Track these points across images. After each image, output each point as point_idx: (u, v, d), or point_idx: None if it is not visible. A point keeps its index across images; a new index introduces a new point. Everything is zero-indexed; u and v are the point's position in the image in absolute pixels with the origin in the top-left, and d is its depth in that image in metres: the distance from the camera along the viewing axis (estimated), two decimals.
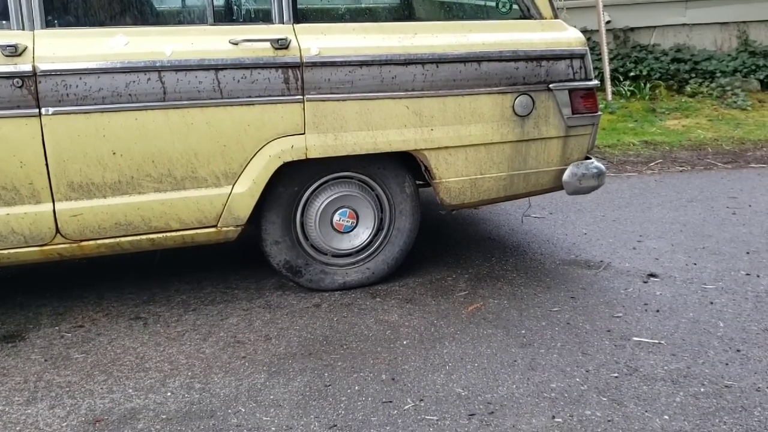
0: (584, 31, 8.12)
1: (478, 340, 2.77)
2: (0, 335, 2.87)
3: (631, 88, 7.65)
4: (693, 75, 7.83)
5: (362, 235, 3.25)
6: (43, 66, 2.63)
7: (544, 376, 2.50)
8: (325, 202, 3.14)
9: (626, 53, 8.05)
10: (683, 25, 8.14)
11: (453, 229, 4.19)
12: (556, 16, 3.28)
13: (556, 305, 3.07)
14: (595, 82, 3.32)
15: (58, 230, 2.77)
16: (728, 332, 2.81)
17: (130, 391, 2.45)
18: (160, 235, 2.91)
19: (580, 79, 3.26)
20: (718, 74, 7.74)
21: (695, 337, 2.77)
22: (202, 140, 2.83)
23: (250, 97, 2.85)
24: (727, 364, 2.57)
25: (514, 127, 3.19)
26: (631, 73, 7.85)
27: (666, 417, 2.25)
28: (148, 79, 2.74)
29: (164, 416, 2.30)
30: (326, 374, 2.54)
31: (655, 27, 8.18)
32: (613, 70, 7.69)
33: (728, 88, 7.54)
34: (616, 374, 2.50)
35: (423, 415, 2.28)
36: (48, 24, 2.70)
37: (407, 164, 3.23)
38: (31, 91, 2.62)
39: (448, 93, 3.08)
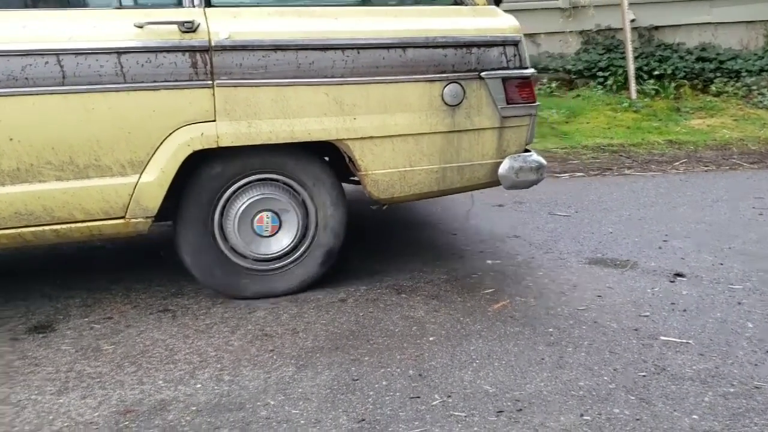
0: (609, 29, 8.17)
1: (505, 337, 2.77)
2: (31, 326, 2.91)
3: (656, 87, 7.60)
4: (718, 74, 7.75)
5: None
6: None
7: (572, 374, 2.50)
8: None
9: (651, 52, 7.99)
10: (708, 23, 8.07)
11: (478, 226, 4.19)
12: (489, 3, 3.17)
13: (583, 304, 3.07)
14: (531, 70, 3.20)
15: None
16: (757, 333, 2.79)
17: (160, 382, 2.48)
18: (65, 227, 2.81)
19: (515, 68, 3.14)
20: (744, 73, 7.67)
21: (723, 338, 2.75)
22: (104, 126, 2.74)
23: (155, 81, 2.76)
24: (756, 365, 2.55)
25: (444, 117, 3.09)
26: (656, 72, 7.78)
27: (695, 416, 2.24)
28: (46, 62, 2.65)
29: (194, 408, 2.32)
30: (353, 369, 2.55)
31: (680, 26, 8.12)
32: (638, 69, 7.64)
33: (754, 87, 7.47)
34: (644, 373, 2.50)
35: (451, 411, 2.28)
36: None
37: (331, 156, 3.13)
38: None
39: (371, 80, 2.97)
